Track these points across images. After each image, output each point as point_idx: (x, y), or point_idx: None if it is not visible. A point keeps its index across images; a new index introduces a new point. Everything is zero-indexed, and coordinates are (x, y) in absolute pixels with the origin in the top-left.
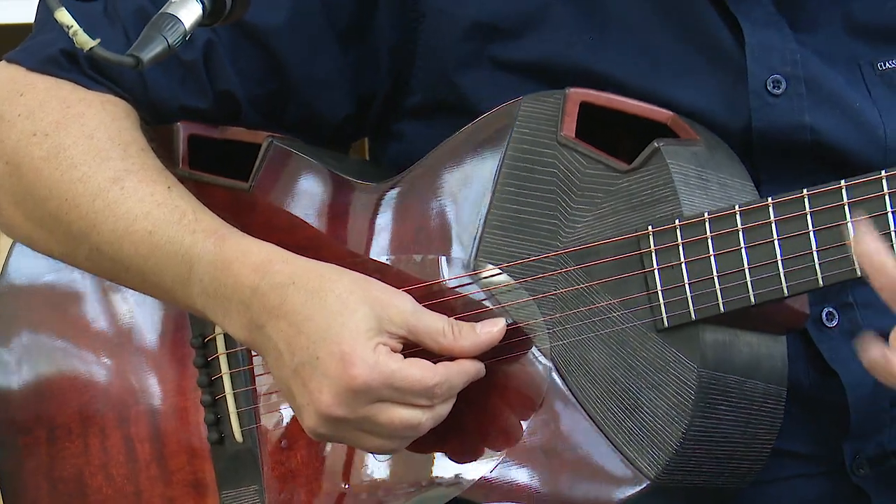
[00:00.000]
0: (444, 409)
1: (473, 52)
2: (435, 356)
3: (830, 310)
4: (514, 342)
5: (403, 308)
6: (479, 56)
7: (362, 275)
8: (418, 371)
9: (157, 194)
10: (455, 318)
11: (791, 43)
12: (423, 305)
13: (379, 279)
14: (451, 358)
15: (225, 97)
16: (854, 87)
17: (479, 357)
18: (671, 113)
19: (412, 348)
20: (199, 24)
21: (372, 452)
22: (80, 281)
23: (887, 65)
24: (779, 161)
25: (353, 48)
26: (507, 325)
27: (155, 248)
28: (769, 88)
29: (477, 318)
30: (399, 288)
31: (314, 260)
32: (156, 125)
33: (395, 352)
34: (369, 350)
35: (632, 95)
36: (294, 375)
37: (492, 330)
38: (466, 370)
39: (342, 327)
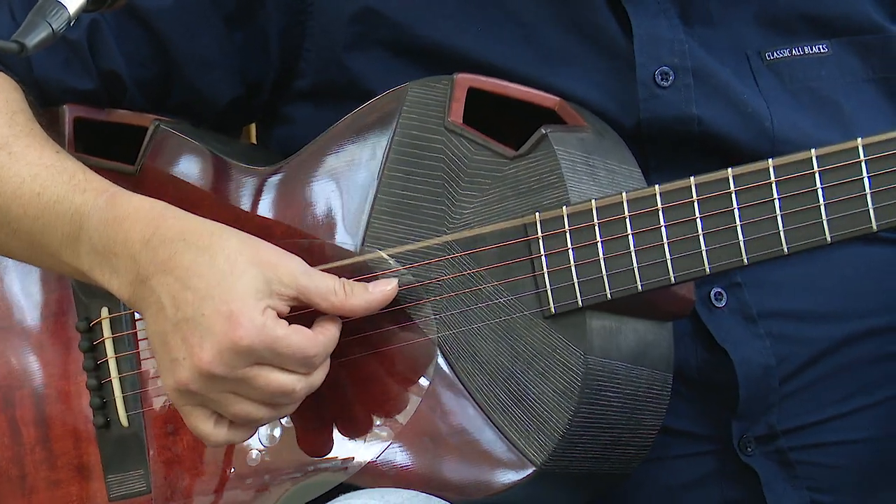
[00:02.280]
0: (318, 378)
1: (363, 35)
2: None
3: (719, 290)
4: (401, 327)
5: (293, 268)
6: (369, 39)
7: (253, 236)
8: (303, 339)
9: (46, 157)
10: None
11: (679, 34)
12: None
13: None
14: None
15: (110, 77)
16: (741, 78)
17: (366, 345)
18: (558, 99)
19: (301, 310)
20: (84, 11)
21: (236, 419)
22: None
23: (775, 55)
24: (668, 152)
25: (241, 31)
26: (393, 310)
27: (44, 208)
28: (657, 80)
29: None
30: None
31: (206, 219)
32: (42, 107)
33: (283, 315)
34: (257, 312)
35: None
36: (174, 329)
37: (384, 289)
38: (336, 336)
39: (231, 287)
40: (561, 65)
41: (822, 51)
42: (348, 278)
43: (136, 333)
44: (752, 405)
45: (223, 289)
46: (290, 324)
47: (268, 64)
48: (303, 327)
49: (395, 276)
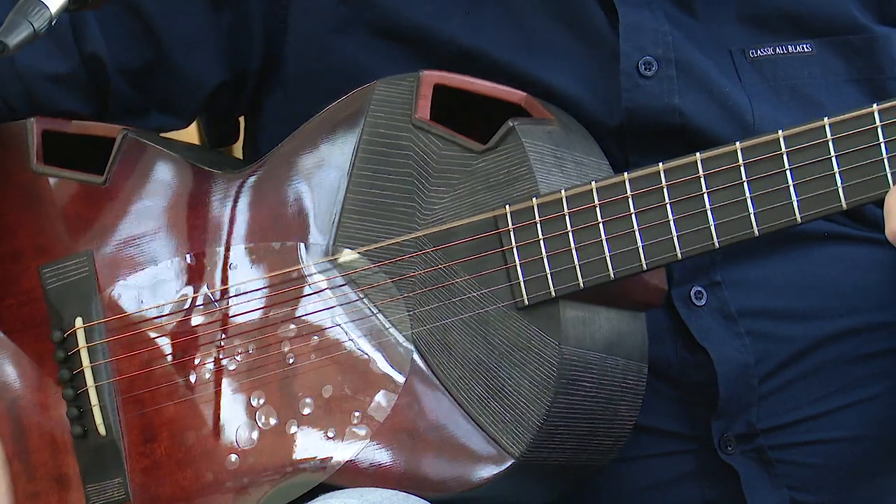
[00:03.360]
0: None
1: (350, 18)
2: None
3: (699, 289)
4: (376, 326)
5: None
6: (356, 22)
7: None
8: None
9: None
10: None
11: (663, 25)
12: (282, 293)
13: (234, 268)
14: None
15: (92, 60)
16: (725, 73)
17: (342, 342)
18: (524, 94)
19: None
20: (66, 10)
21: None
22: None
23: (759, 52)
24: (648, 144)
25: (225, 12)
26: (368, 308)
27: None
28: (640, 70)
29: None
30: (256, 277)
31: None
32: (23, 107)
33: None
34: None
35: (503, 74)
36: None
37: None
38: None
39: None
40: (545, 53)
41: (806, 50)
42: (322, 278)
43: (110, 342)
44: (731, 404)
45: None
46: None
47: (252, 48)
48: None
49: None
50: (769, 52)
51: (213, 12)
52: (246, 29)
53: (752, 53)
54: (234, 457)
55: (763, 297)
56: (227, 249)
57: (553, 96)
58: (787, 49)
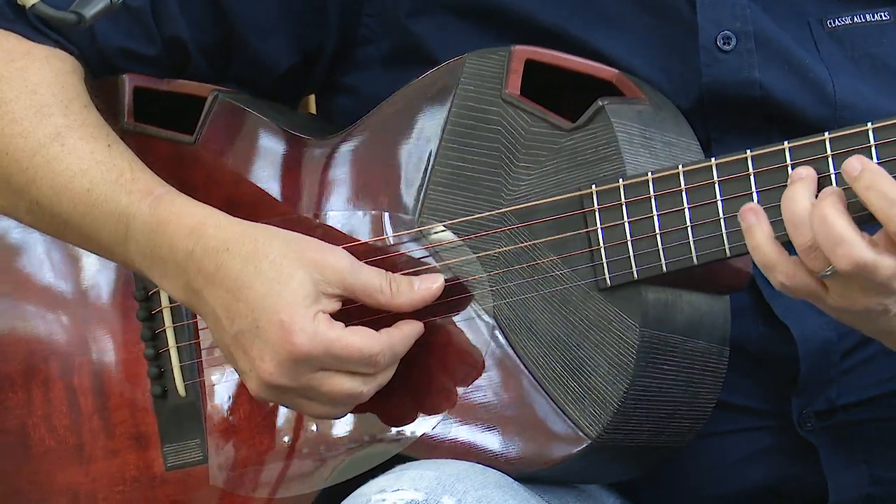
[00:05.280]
0: (385, 377)
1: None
2: (377, 313)
3: None
4: (457, 300)
5: (339, 266)
6: (433, 3)
7: (296, 234)
8: (359, 340)
9: (97, 152)
10: (396, 274)
11: None
12: (365, 262)
13: (320, 235)
14: (393, 321)
15: (173, 43)
16: (803, 44)
17: (422, 315)
18: (616, 71)
19: (352, 304)
20: None
21: (315, 418)
22: (26, 234)
23: (836, 22)
24: (729, 118)
25: None
26: (450, 282)
27: (92, 205)
28: (719, 44)
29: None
30: (342, 244)
31: (247, 221)
32: (103, 77)
33: (335, 314)
34: (308, 319)
35: (580, 51)
36: (234, 342)
37: (430, 286)
38: (408, 335)
39: (279, 295)
40: (622, 30)
41: (883, 18)
42: (406, 249)
43: None
44: (812, 380)
45: (272, 298)
46: (363, 324)
47: (327, 30)
48: (360, 328)
49: (439, 273)
50: (846, 22)
51: None
52: (320, 10)
53: (830, 24)
54: (312, 424)
55: None
56: (314, 216)
57: (627, 74)
58: (864, 18)
